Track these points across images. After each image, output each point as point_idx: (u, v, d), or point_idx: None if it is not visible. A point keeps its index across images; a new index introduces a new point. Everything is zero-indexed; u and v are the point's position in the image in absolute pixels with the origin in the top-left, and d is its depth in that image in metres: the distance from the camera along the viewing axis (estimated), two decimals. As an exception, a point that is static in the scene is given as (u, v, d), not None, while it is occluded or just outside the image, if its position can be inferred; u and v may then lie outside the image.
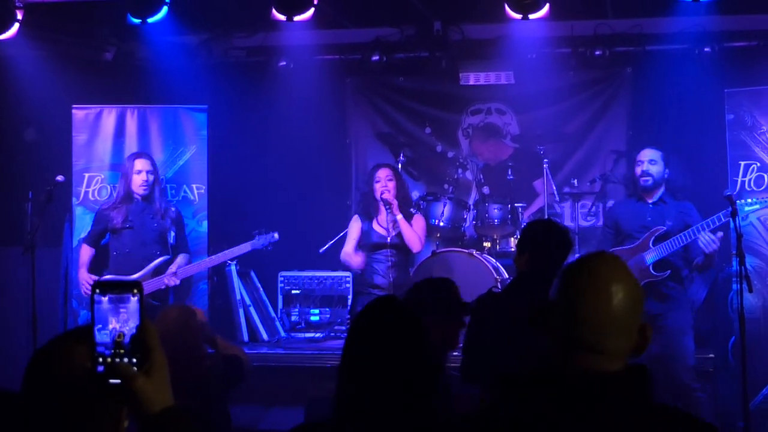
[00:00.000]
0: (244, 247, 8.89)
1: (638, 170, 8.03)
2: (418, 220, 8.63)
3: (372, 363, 2.91)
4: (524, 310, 4.94)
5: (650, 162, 7.98)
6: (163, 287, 8.45)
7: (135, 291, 2.07)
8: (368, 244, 8.51)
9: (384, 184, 8.42)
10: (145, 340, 2.06)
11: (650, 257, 7.79)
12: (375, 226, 8.48)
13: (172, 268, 8.52)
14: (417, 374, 2.92)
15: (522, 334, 4.90)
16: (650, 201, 8.03)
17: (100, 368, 2.04)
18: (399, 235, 8.36)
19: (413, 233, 8.39)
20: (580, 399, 2.27)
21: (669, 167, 8.05)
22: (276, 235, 8.84)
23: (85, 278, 8.50)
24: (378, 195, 8.41)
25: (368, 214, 8.57)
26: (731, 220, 7.25)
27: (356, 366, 2.95)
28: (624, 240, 8.10)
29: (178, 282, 8.55)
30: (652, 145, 8.13)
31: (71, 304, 9.19)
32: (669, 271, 7.78)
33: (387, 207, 8.34)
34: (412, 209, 8.72)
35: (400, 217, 8.33)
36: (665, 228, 7.85)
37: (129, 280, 2.12)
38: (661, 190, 8.02)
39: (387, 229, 8.37)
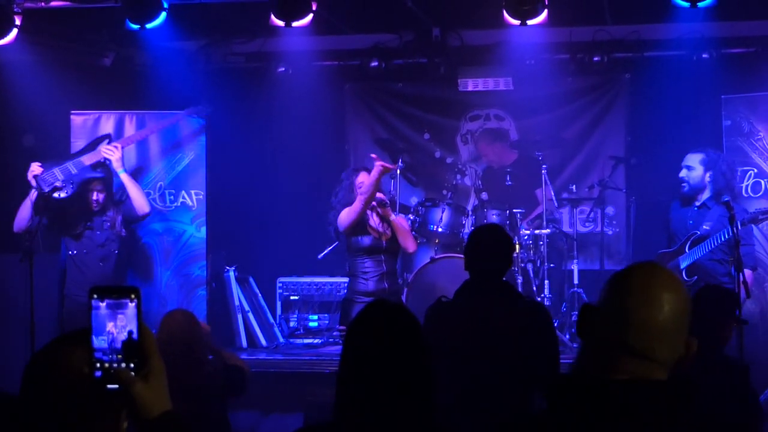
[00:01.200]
0: (177, 117, 9.24)
1: (680, 174, 8.03)
2: (403, 221, 8.36)
3: (369, 369, 2.90)
4: (472, 314, 4.98)
5: (687, 168, 7.97)
6: (102, 159, 8.55)
7: (132, 297, 2.07)
8: (361, 248, 8.07)
9: None
10: (143, 345, 2.07)
11: (684, 261, 7.79)
12: (368, 229, 8.08)
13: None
14: (414, 378, 2.91)
15: (473, 335, 4.94)
16: (696, 204, 8.03)
17: (98, 373, 2.05)
18: (391, 239, 8.08)
19: (407, 232, 8.12)
20: (628, 405, 2.28)
21: (714, 169, 8.01)
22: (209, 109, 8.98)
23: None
24: None
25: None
26: (729, 226, 7.24)
27: (354, 372, 2.94)
28: (670, 243, 8.15)
29: (120, 154, 8.57)
30: (697, 148, 8.08)
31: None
32: (696, 276, 7.76)
33: (380, 207, 8.00)
34: (405, 213, 8.50)
35: (393, 217, 8.04)
36: (700, 232, 7.86)
37: (126, 285, 2.13)
38: (705, 193, 8.01)
39: (380, 232, 8.07)
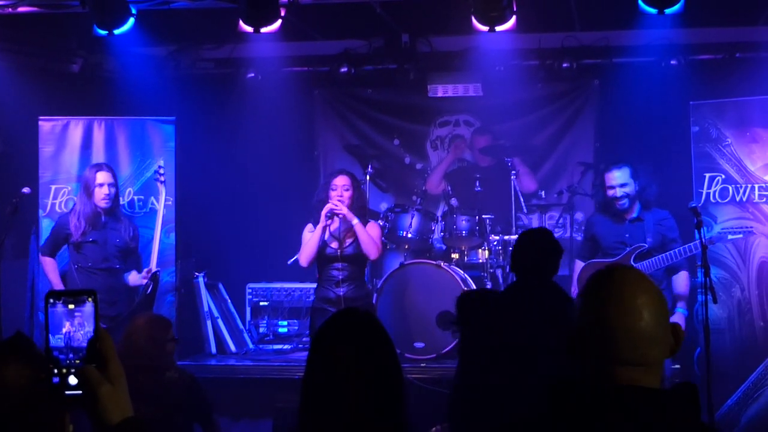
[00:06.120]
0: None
1: (610, 193, 8.01)
2: (373, 228, 8.17)
3: (336, 377, 2.90)
4: (516, 310, 4.98)
5: (621, 186, 7.96)
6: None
7: (90, 299, 2.04)
8: (321, 256, 8.05)
9: (340, 193, 7.94)
10: (101, 349, 2.03)
11: None
12: (326, 237, 8.02)
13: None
14: (382, 386, 2.90)
15: (516, 332, 4.94)
16: (627, 218, 8.03)
17: (56, 379, 2.01)
18: (352, 245, 7.99)
19: (369, 239, 7.91)
20: (629, 409, 2.30)
21: (638, 179, 8.05)
22: None
23: None
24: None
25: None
26: (696, 231, 7.27)
27: (320, 381, 2.93)
28: (599, 254, 8.13)
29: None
30: (619, 163, 8.09)
31: (37, 317, 9.13)
32: None
33: (337, 217, 7.94)
34: (374, 219, 8.44)
35: (356, 221, 7.87)
36: (647, 246, 7.88)
37: (84, 288, 2.09)
38: (637, 205, 8.04)
39: (338, 241, 7.99)
